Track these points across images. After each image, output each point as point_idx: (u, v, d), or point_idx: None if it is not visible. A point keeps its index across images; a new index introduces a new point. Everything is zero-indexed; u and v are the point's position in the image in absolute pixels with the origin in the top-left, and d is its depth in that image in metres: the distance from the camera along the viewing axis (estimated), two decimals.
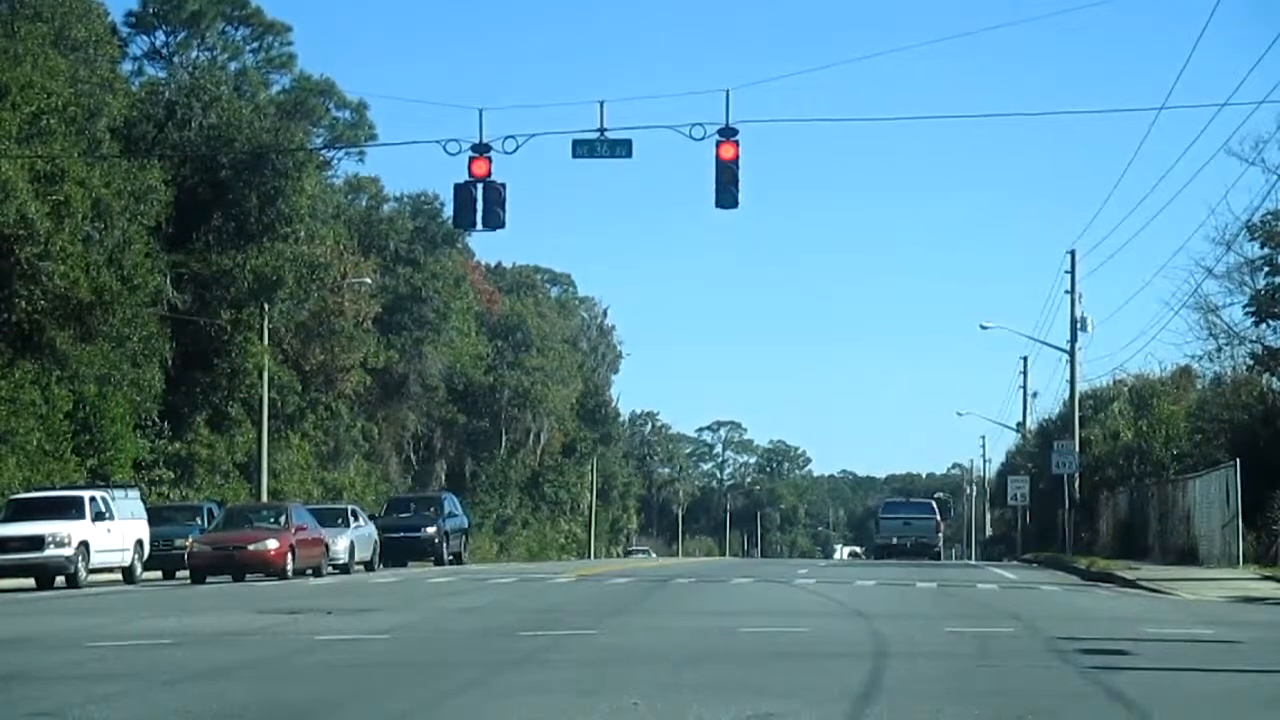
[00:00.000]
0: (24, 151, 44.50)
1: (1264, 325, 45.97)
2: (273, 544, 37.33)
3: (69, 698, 12.54)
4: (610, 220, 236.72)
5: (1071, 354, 61.27)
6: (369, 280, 67.79)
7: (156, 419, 54.40)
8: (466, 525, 55.47)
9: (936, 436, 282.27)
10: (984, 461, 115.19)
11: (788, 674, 14.17)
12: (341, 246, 68.74)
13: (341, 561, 42.04)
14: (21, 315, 45.68)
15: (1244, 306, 46.47)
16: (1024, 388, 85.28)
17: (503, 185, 31.29)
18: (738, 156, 30.52)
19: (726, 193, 30.60)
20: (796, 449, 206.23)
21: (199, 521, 42.83)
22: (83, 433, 48.17)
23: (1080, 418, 60.86)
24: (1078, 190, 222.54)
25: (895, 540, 69.56)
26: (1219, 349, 49.48)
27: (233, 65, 74.61)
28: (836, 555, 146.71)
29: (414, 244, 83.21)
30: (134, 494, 40.01)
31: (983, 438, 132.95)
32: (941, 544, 72.66)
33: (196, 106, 59.49)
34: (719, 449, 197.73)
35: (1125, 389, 66.40)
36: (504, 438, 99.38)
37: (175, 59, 73.55)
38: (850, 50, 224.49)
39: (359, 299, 69.04)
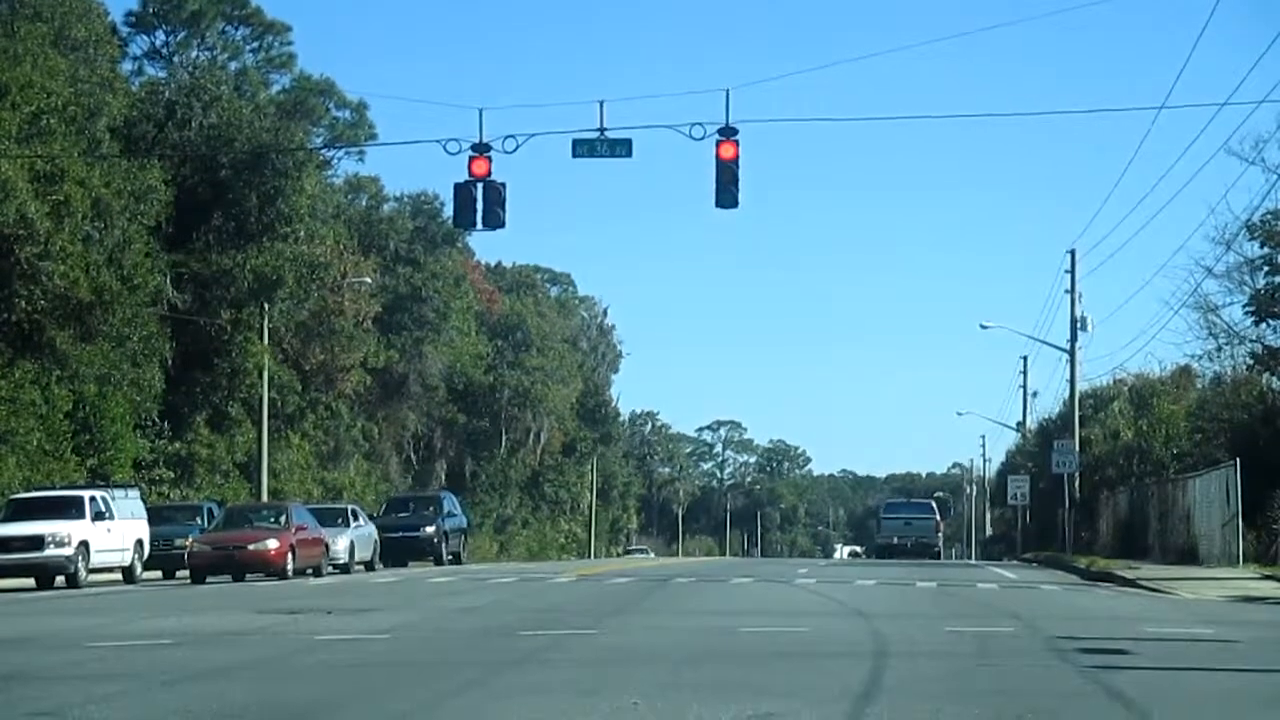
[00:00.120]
0: (24, 151, 44.50)
1: (1264, 325, 45.97)
2: (273, 544, 37.32)
3: (69, 698, 12.54)
4: (610, 220, 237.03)
5: (1071, 353, 61.27)
6: (369, 280, 67.79)
7: (156, 419, 54.39)
8: (466, 525, 55.43)
9: (936, 436, 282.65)
10: (984, 461, 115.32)
11: (788, 673, 14.17)
12: (341, 246, 68.73)
13: (341, 561, 42.04)
14: (21, 315, 45.68)
15: (1244, 306, 46.50)
16: (1024, 387, 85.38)
17: (503, 185, 31.30)
18: (738, 156, 30.52)
19: (726, 192, 30.60)
20: (796, 448, 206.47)
21: (199, 521, 42.82)
22: (83, 432, 48.17)
23: (1080, 417, 60.87)
24: (1078, 190, 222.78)
25: (896, 540, 70.06)
26: (1219, 348, 49.51)
27: (233, 65, 74.63)
28: (836, 555, 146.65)
29: (414, 244, 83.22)
30: (134, 494, 39.99)
31: (983, 437, 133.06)
32: (941, 543, 73.28)
33: (196, 106, 59.48)
34: (719, 448, 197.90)
35: (1125, 388, 66.41)
36: (504, 437, 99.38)
37: (175, 59, 73.57)
38: (850, 50, 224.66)
39: (359, 299, 69.03)
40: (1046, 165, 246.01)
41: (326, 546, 40.44)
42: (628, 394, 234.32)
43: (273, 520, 39.24)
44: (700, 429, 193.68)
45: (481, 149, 31.08)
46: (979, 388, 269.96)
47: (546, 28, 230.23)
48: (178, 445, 56.42)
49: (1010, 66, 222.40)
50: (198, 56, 74.10)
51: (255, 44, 76.25)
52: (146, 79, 69.31)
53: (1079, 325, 60.59)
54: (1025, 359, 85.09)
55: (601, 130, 30.99)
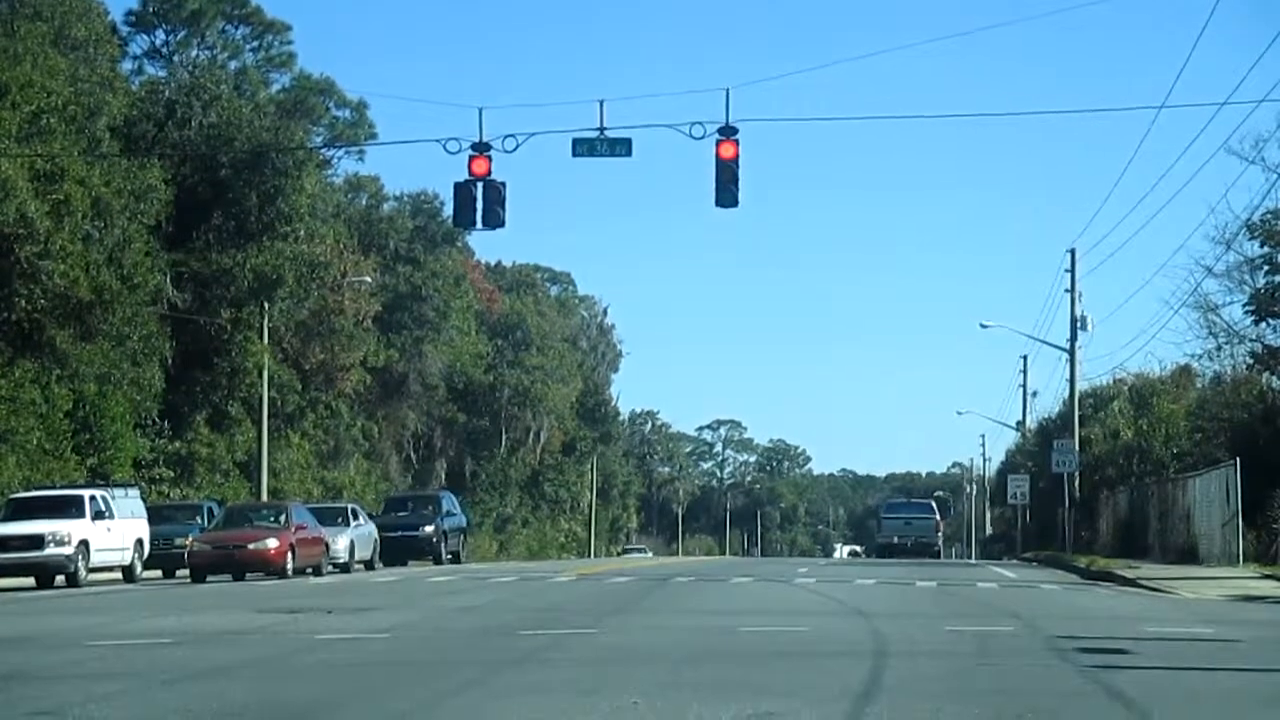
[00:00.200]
0: (24, 150, 44.49)
1: (1264, 324, 45.95)
2: (273, 543, 37.32)
3: (69, 697, 12.54)
4: (610, 219, 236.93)
5: (1071, 353, 61.26)
6: (369, 279, 67.79)
7: (156, 418, 54.39)
8: (465, 524, 55.39)
9: (936, 435, 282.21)
10: (984, 460, 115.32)
11: (788, 673, 14.17)
12: (341, 245, 68.74)
13: (341, 560, 42.04)
14: (21, 314, 45.67)
15: (1244, 305, 46.48)
16: (1024, 386, 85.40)
17: (503, 184, 31.30)
18: (737, 155, 30.51)
19: (726, 192, 30.60)
20: (796, 448, 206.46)
21: (199, 520, 42.81)
22: (83, 432, 48.16)
23: (1080, 416, 60.87)
24: (1078, 189, 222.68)
25: (897, 539, 70.63)
26: (1219, 348, 49.50)
27: (233, 64, 74.64)
28: (836, 554, 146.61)
29: (414, 243, 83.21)
30: (134, 493, 39.99)
31: (983, 436, 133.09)
32: (941, 543, 73.92)
33: (196, 105, 59.47)
34: (719, 448, 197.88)
35: (1125, 388, 66.42)
36: (504, 436, 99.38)
37: (175, 58, 73.56)
38: (850, 50, 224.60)
39: (359, 298, 69.03)
40: (1046, 165, 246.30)
41: (326, 546, 40.45)
42: (628, 393, 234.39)
43: (273, 519, 39.25)
44: (700, 428, 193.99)
45: (481, 148, 31.08)
46: (979, 387, 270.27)
47: (546, 28, 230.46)
48: (178, 444, 56.42)
49: (1010, 66, 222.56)
50: (198, 56, 74.11)
51: (255, 43, 76.27)
52: (146, 78, 69.33)
53: (1079, 324, 60.58)
54: (1025, 358, 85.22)
55: (601, 129, 30.99)
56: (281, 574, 37.05)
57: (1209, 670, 14.53)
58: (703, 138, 30.61)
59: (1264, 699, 12.88)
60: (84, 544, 34.80)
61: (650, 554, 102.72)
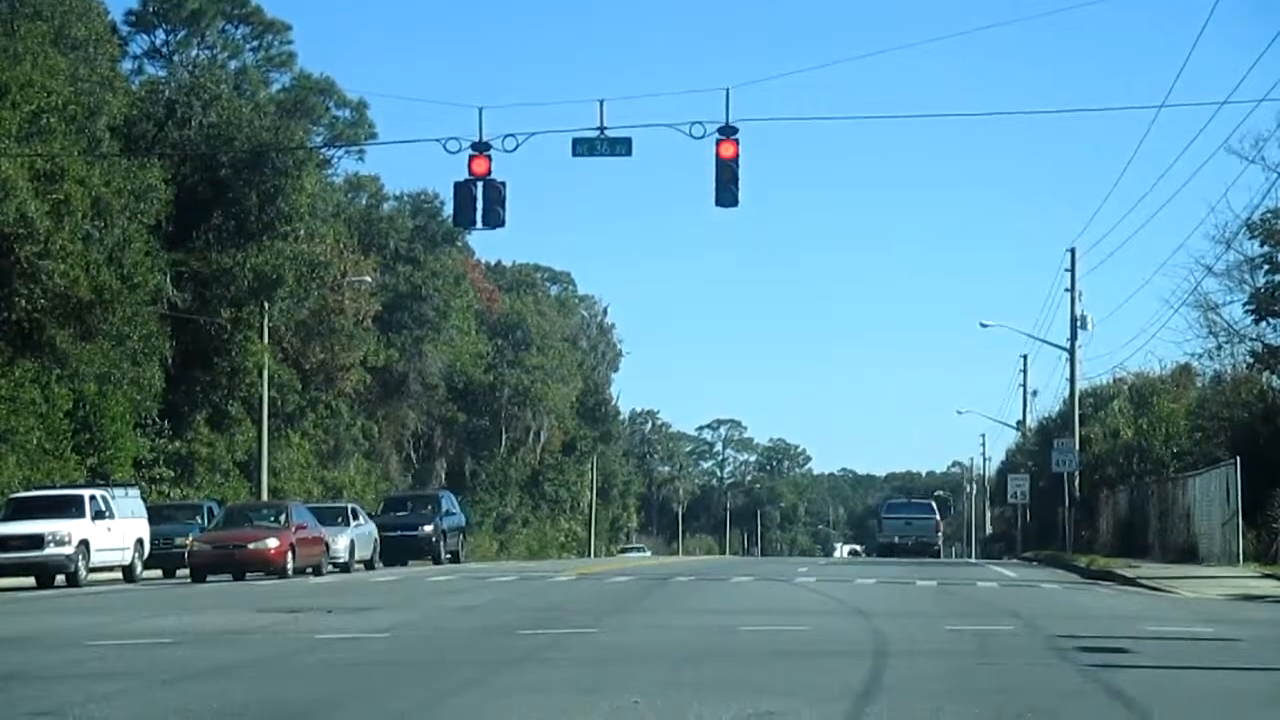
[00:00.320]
0: (24, 150, 44.49)
1: (1264, 323, 45.95)
2: (273, 543, 37.32)
3: (69, 697, 12.54)
4: (610, 219, 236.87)
5: (1071, 352, 61.26)
6: (369, 279, 67.78)
7: (156, 418, 54.39)
8: (464, 524, 55.38)
9: (936, 435, 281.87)
10: (984, 460, 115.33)
11: (788, 672, 14.17)
12: (341, 245, 68.73)
13: (342, 560, 42.05)
14: (21, 314, 45.67)
15: (1244, 304, 46.48)
16: (1024, 386, 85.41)
17: (503, 184, 31.30)
18: (738, 155, 30.51)
19: (726, 191, 30.59)
20: (796, 447, 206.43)
21: (199, 520, 42.82)
22: (83, 431, 48.16)
23: (1080, 416, 60.87)
24: (1078, 188, 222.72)
25: (897, 539, 71.18)
26: (1219, 347, 49.51)
27: (233, 64, 74.61)
28: (836, 553, 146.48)
29: (414, 242, 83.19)
30: (134, 492, 39.98)
31: (983, 436, 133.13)
32: (941, 542, 74.46)
33: (196, 105, 59.47)
34: (719, 447, 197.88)
35: (1125, 387, 66.43)
36: (504, 436, 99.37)
37: (175, 58, 73.55)
38: (850, 49, 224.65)
39: (359, 297, 69.03)
40: (1046, 164, 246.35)
41: (326, 545, 40.45)
42: (628, 393, 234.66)
43: (273, 519, 39.24)
44: (700, 428, 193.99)
45: (481, 148, 31.08)
46: (979, 386, 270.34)
47: (546, 28, 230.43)
48: (178, 444, 56.42)
49: (1009, 65, 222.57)
50: (198, 55, 74.08)
51: (255, 43, 76.25)
52: (146, 78, 69.32)
53: (1079, 324, 60.57)
54: (1025, 358, 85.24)
55: (601, 129, 30.99)
56: (281, 574, 37.04)
57: (1209, 670, 14.53)
58: (703, 137, 30.64)
59: (1264, 698, 12.87)
60: (84, 544, 34.80)
61: (649, 553, 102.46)
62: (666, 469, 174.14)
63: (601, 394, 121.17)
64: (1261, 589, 28.11)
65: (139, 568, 38.00)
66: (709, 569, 42.41)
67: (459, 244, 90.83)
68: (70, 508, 35.40)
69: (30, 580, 34.83)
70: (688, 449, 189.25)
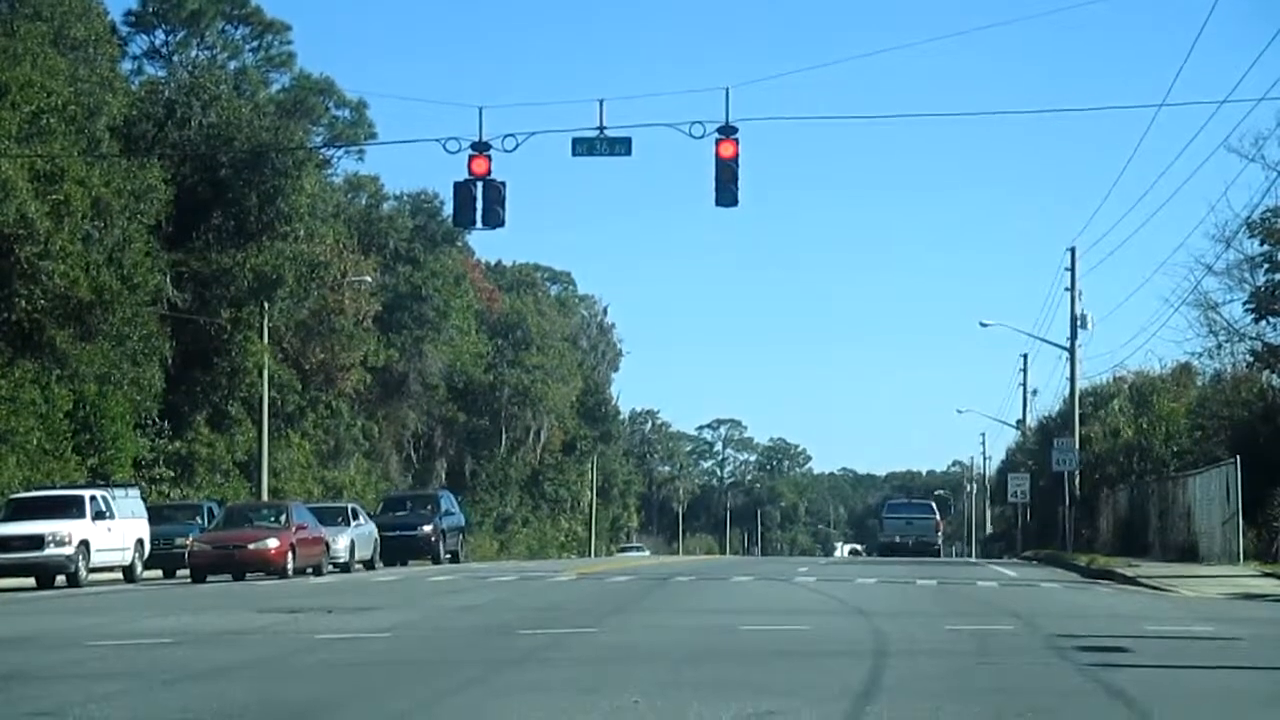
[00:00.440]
0: (24, 151, 44.49)
1: (1264, 322, 45.93)
2: (273, 543, 37.31)
3: (69, 697, 12.54)
4: (610, 218, 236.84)
5: (1071, 351, 61.24)
6: (369, 279, 67.79)
7: (156, 418, 54.39)
8: (463, 523, 55.36)
9: (937, 434, 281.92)
10: (984, 459, 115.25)
11: (788, 672, 14.17)
12: (341, 245, 68.73)
13: (342, 560, 42.05)
14: (21, 314, 45.68)
15: (1244, 303, 46.46)
16: (1024, 385, 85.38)
17: (502, 183, 31.30)
18: (737, 154, 30.50)
19: (726, 191, 30.59)
20: (796, 447, 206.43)
21: (199, 520, 42.82)
22: (83, 432, 48.17)
23: (1080, 415, 60.86)
24: (1078, 187, 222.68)
25: (898, 539, 71.70)
26: (1219, 346, 49.50)
27: (232, 64, 74.59)
28: (837, 553, 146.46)
29: (414, 242, 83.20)
30: (134, 493, 39.99)
31: (983, 435, 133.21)
32: (941, 542, 74.83)
33: (196, 105, 59.48)
34: (719, 447, 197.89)
35: (1125, 386, 66.44)
36: (504, 436, 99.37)
37: (175, 58, 73.53)
38: (850, 49, 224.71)
39: (359, 297, 69.04)
40: (1046, 163, 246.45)
41: (327, 545, 40.45)
42: (628, 392, 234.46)
43: (273, 519, 39.24)
44: (700, 427, 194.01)
45: (481, 148, 31.08)
46: (979, 386, 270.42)
47: (546, 28, 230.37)
48: (178, 444, 56.42)
49: (1009, 65, 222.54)
50: (197, 56, 74.07)
51: (255, 43, 76.22)
52: (146, 78, 69.31)
53: (1079, 323, 60.55)
54: (1025, 357, 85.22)
55: (601, 129, 30.99)
56: (282, 574, 37.04)
57: (1210, 669, 14.53)
58: (702, 137, 30.62)
59: (1265, 698, 12.87)
60: (84, 544, 34.80)
61: (647, 553, 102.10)
62: (666, 469, 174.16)
63: (601, 394, 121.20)
64: (1262, 588, 28.12)
65: (139, 568, 38.01)
66: (709, 569, 42.40)
67: (459, 244, 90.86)
68: (70, 508, 35.41)
69: (30, 581, 34.84)
70: (688, 449, 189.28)
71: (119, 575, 37.29)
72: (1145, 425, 60.02)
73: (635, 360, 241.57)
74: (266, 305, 56.33)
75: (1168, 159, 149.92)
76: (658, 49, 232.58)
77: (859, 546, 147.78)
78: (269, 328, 56.70)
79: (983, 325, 71.72)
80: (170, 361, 53.61)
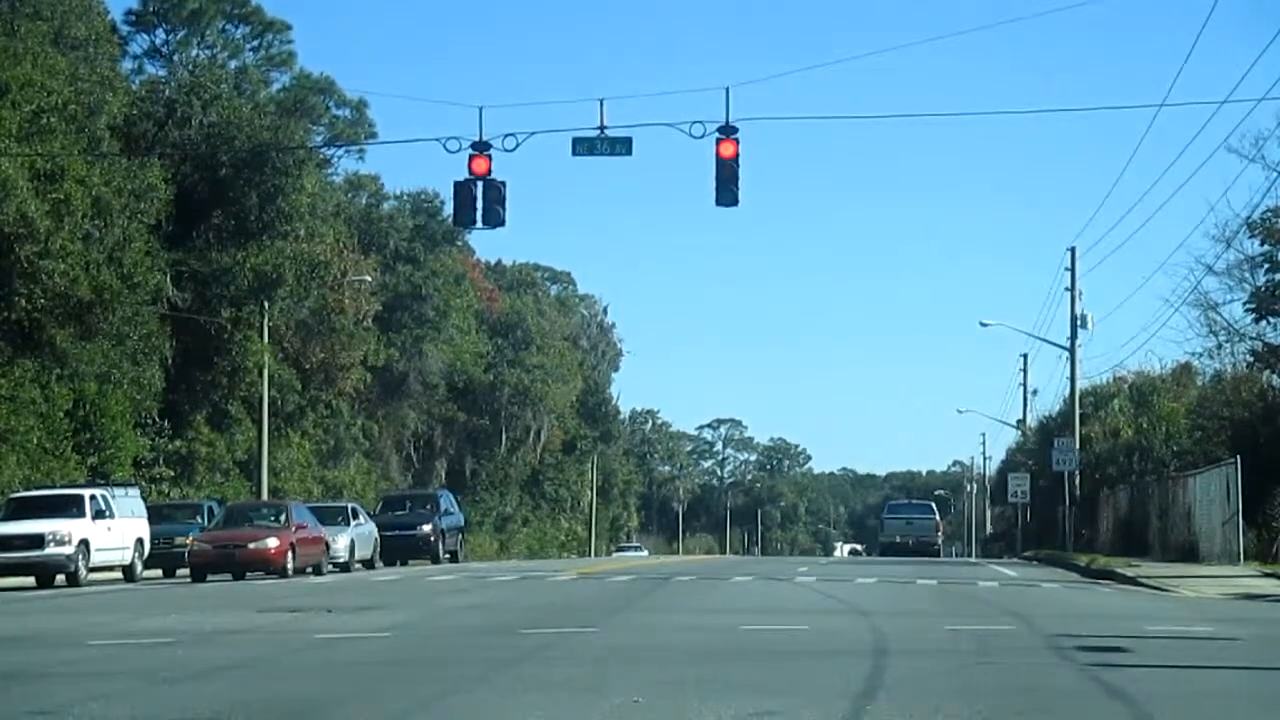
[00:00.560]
0: (24, 150, 44.49)
1: (1264, 322, 45.94)
2: (273, 542, 37.30)
3: (69, 696, 12.54)
4: (610, 218, 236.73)
5: (1072, 351, 61.24)
6: (369, 278, 67.81)
7: (156, 417, 54.40)
8: (462, 523, 55.38)
9: (937, 434, 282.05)
10: (984, 459, 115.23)
11: (788, 671, 14.17)
12: (341, 244, 68.74)
13: (342, 560, 42.05)
14: (21, 313, 45.69)
15: (1244, 303, 46.48)
16: (1024, 385, 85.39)
17: (503, 183, 31.30)
18: (738, 154, 30.50)
19: (726, 190, 30.58)
20: (797, 446, 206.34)
21: (199, 520, 42.80)
22: (83, 431, 48.17)
23: (1080, 415, 60.84)
24: (1078, 187, 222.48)
25: (899, 539, 72.15)
26: (1219, 346, 49.53)
27: (233, 63, 74.58)
28: (837, 553, 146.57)
29: (414, 242, 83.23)
30: (134, 492, 39.97)
31: (983, 435, 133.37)
32: (941, 542, 75.06)
33: (196, 105, 59.49)
34: (719, 446, 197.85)
35: (1125, 386, 66.46)
36: (504, 435, 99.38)
37: (175, 57, 73.53)
38: (849, 49, 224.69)
39: (359, 297, 69.05)
40: (1046, 163, 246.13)
41: (327, 545, 40.45)
42: (628, 392, 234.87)
43: (273, 519, 39.24)
44: (700, 427, 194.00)
45: (481, 147, 31.07)
46: (979, 386, 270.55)
47: (546, 28, 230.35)
48: (178, 443, 56.43)
49: (1009, 65, 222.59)
50: (198, 55, 74.06)
51: (255, 42, 76.21)
52: (146, 77, 69.32)
53: (1079, 323, 60.53)
54: (1025, 357, 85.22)
55: (601, 128, 30.98)
56: (282, 573, 37.03)
57: (1210, 669, 14.53)
58: (703, 137, 30.62)
59: (1265, 698, 12.87)
60: (84, 543, 34.79)
61: (646, 552, 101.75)
62: (666, 468, 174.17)
63: (602, 393, 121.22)
64: (1262, 588, 28.11)
65: (139, 567, 37.99)
66: (709, 569, 42.39)
67: (459, 243, 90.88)
68: (70, 507, 35.40)
69: (30, 580, 34.83)
70: (688, 448, 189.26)
71: (119, 574, 37.28)
72: (1145, 425, 60.04)
73: (635, 360, 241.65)
74: (266, 305, 56.34)
75: (1168, 159, 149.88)
76: (658, 49, 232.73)
77: (859, 546, 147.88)
78: (269, 327, 56.71)
79: (983, 325, 71.79)
80: (170, 361, 53.63)
